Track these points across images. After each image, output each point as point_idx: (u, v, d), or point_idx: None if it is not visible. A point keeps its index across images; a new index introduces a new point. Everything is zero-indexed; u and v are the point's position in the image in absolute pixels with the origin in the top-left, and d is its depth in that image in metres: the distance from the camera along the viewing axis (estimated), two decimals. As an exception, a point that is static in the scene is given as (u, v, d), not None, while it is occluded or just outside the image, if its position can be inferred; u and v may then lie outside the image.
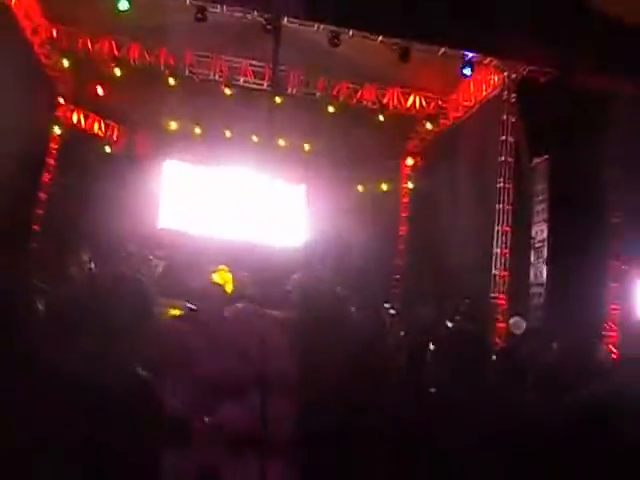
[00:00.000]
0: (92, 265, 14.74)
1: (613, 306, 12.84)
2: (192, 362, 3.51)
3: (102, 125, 17.70)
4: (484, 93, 14.22)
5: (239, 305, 4.33)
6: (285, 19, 11.86)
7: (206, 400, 3.35)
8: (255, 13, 12.20)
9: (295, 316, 3.92)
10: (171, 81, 14.71)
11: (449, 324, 10.78)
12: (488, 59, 13.15)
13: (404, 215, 18.63)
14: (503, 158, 12.94)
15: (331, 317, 3.83)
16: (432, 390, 3.09)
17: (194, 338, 3.75)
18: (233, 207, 17.98)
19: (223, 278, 15.35)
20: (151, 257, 15.95)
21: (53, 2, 12.71)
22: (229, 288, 15.31)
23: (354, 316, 4.92)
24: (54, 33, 14.10)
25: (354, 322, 4.72)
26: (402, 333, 9.43)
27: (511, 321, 12.00)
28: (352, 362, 3.54)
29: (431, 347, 3.31)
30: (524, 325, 11.85)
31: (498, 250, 12.75)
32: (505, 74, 13.20)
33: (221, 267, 15.57)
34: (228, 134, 17.48)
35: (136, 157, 17.63)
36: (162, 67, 14.54)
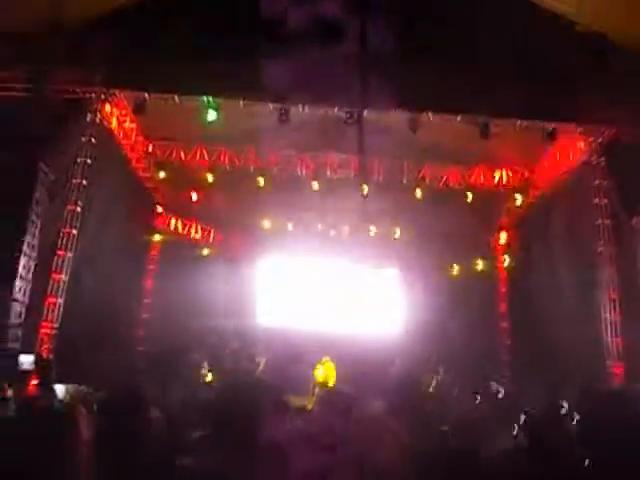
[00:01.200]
0: (205, 365, 15.09)
1: None
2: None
3: (199, 229, 18.48)
4: (570, 159, 14.01)
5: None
6: (365, 110, 12.24)
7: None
8: (336, 109, 12.62)
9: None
10: (261, 181, 15.28)
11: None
12: (571, 126, 13.04)
13: (503, 291, 18.22)
14: (600, 221, 12.61)
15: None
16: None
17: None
18: (329, 298, 18.12)
19: (327, 371, 15.41)
20: (253, 353, 16.19)
21: (148, 120, 13.59)
22: (332, 381, 15.32)
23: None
24: (150, 148, 15.07)
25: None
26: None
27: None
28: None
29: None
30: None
31: (608, 316, 12.23)
32: (591, 139, 13.03)
33: (324, 359, 15.65)
34: (320, 227, 17.87)
35: (233, 257, 18.20)
36: (251, 169, 15.12)
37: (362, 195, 14.77)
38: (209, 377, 15.21)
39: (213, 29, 11.45)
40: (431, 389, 14.85)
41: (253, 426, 2.49)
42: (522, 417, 8.95)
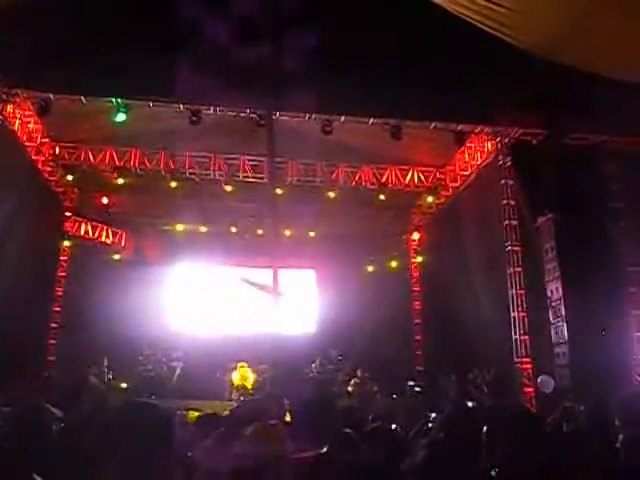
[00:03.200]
0: (110, 375, 14.73)
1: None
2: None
3: (109, 233, 18.00)
4: (479, 161, 14.40)
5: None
6: (277, 113, 12.19)
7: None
8: (248, 111, 12.52)
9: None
10: (173, 184, 15.01)
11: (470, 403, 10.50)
12: (479, 128, 13.39)
13: (417, 290, 18.57)
14: (507, 222, 12.99)
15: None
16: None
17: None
18: (245, 302, 18.02)
19: (243, 375, 15.32)
20: (167, 359, 15.93)
21: (53, 121, 13.11)
22: (249, 384, 15.24)
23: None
24: (57, 150, 14.55)
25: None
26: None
27: (539, 380, 11.78)
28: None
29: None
30: (552, 383, 11.63)
31: (515, 314, 12.62)
32: (497, 140, 13.41)
33: (240, 364, 15.54)
34: (234, 230, 17.73)
35: (146, 262, 17.82)
36: (163, 171, 14.84)
37: (275, 197, 14.73)
38: (122, 385, 14.90)
39: (122, 29, 11.12)
40: (350, 388, 14.99)
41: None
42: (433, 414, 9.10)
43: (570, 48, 9.61)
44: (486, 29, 11.09)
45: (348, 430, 3.53)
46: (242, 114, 12.71)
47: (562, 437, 4.11)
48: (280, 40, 11.29)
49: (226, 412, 5.98)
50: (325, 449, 3.22)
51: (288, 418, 4.51)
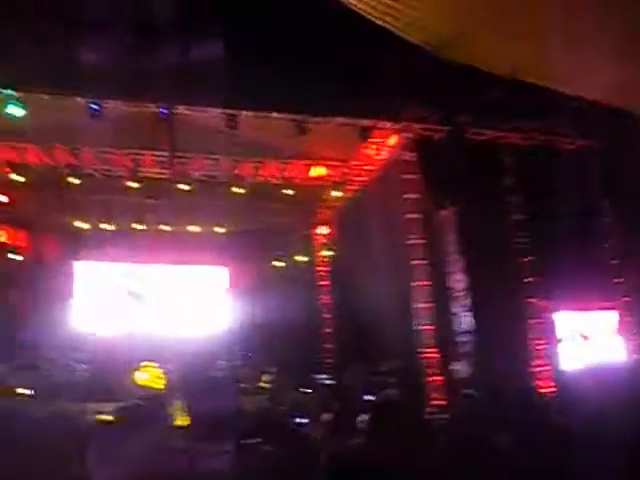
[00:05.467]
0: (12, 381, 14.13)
1: (538, 341, 13.14)
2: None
3: (8, 233, 17.25)
4: (384, 155, 14.60)
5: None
6: (181, 107, 12.00)
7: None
8: (151, 105, 12.25)
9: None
10: (73, 180, 14.50)
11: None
12: (382, 123, 13.58)
13: (325, 284, 18.70)
14: (410, 215, 13.25)
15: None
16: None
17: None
18: (151, 301, 17.69)
19: (151, 375, 15.02)
20: (73, 362, 15.44)
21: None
22: (159, 384, 14.96)
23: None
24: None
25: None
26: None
27: (451, 367, 12.12)
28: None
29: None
30: (466, 369, 12.00)
31: (420, 305, 12.91)
32: (401, 135, 13.64)
33: (146, 364, 15.24)
34: (139, 227, 17.34)
35: (46, 261, 17.19)
36: (62, 167, 14.30)
37: (178, 194, 14.52)
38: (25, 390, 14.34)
39: (15, 15, 10.63)
40: (262, 384, 14.91)
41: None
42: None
43: (462, 46, 9.90)
44: (386, 25, 11.29)
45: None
46: (145, 109, 12.40)
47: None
48: (184, 33, 11.14)
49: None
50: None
51: (181, 421, 4.41)
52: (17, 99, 11.75)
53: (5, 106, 11.80)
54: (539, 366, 12.72)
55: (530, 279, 13.26)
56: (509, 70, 10.05)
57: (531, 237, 13.36)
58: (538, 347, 13.03)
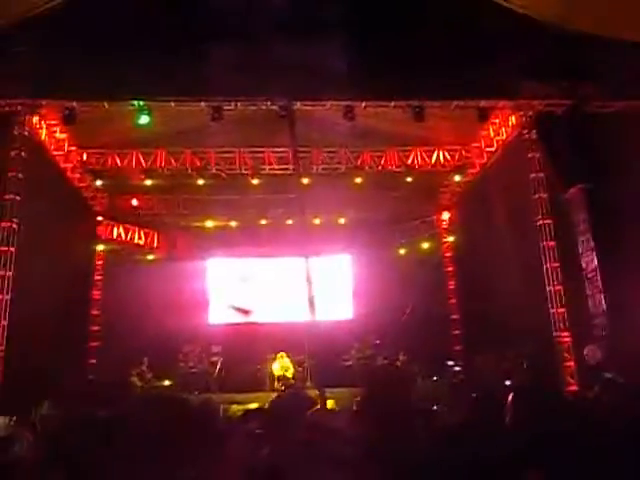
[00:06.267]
0: (150, 374, 14.97)
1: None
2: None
3: (142, 234, 18.25)
4: (504, 136, 14.23)
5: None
6: (298, 103, 12.19)
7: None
8: (268, 103, 12.52)
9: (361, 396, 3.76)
10: (199, 181, 15.12)
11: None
12: (501, 103, 13.23)
13: (450, 269, 18.50)
14: (537, 195, 12.84)
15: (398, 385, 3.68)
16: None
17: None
18: (281, 292, 18.13)
19: (283, 365, 15.46)
20: (208, 354, 16.13)
21: (79, 128, 13.26)
22: (290, 374, 15.37)
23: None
24: (84, 157, 14.74)
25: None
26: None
27: (585, 351, 11.64)
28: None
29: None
30: (600, 354, 11.49)
31: (551, 287, 12.51)
32: (521, 113, 13.23)
33: (280, 354, 15.69)
34: (263, 222, 17.84)
35: (178, 259, 18.04)
36: (189, 170, 14.94)
37: (302, 187, 14.76)
38: (165, 383, 15.15)
39: (138, 30, 11.20)
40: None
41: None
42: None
43: (583, 13, 9.47)
44: (501, 1, 11.00)
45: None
46: (263, 107, 12.70)
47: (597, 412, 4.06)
48: (300, 29, 11.31)
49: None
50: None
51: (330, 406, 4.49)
52: (146, 109, 12.37)
53: (138, 117, 12.46)
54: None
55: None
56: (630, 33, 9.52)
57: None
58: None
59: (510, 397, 3.30)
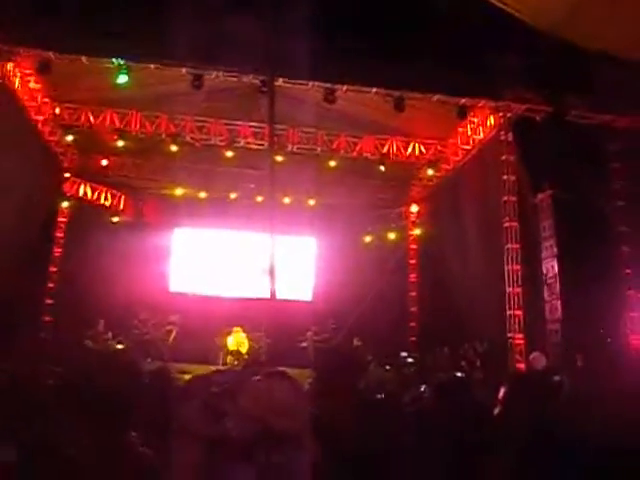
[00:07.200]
0: (109, 335, 14.83)
1: (634, 336, 12.67)
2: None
3: (108, 196, 18.00)
4: (481, 135, 14.30)
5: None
6: (280, 80, 12.07)
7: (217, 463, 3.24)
8: (250, 76, 12.40)
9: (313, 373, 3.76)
10: (173, 148, 14.93)
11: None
12: (483, 102, 13.28)
13: (413, 262, 18.62)
14: (506, 197, 12.95)
15: (349, 371, 3.68)
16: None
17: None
18: (242, 266, 18.06)
19: (238, 340, 15.43)
20: (164, 322, 16.04)
21: (54, 81, 12.99)
22: (244, 350, 15.34)
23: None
24: (57, 110, 14.43)
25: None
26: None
27: (531, 357, 11.83)
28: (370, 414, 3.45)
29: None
30: (544, 361, 11.69)
31: (510, 289, 12.65)
32: (500, 115, 13.30)
33: (235, 329, 15.64)
34: (233, 196, 17.71)
35: (144, 225, 17.85)
36: (163, 135, 14.75)
37: (274, 164, 14.67)
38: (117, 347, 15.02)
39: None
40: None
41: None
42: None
43: (577, 24, 9.49)
44: (493, 1, 10.98)
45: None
46: (244, 79, 12.57)
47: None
48: (286, 5, 11.18)
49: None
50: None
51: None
52: (126, 69, 12.14)
53: (116, 76, 12.22)
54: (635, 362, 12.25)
55: (628, 270, 12.76)
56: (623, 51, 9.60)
57: (632, 226, 12.84)
58: (635, 342, 12.55)
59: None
